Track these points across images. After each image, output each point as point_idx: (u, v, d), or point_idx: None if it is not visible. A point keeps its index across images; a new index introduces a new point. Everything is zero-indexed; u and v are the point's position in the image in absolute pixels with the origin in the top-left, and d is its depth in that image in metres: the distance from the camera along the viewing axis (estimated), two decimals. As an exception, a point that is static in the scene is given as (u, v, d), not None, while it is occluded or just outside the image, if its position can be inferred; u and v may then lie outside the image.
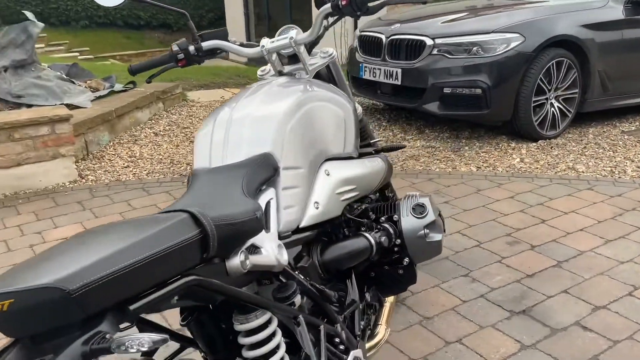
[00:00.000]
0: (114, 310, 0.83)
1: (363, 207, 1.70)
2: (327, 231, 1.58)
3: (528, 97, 4.63)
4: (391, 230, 1.69)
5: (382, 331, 1.79)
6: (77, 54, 14.12)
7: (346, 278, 1.60)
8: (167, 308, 1.01)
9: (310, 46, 2.05)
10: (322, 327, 1.32)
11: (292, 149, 1.46)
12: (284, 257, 1.27)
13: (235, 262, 1.07)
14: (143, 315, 1.20)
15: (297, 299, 1.31)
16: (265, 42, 1.92)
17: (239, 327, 1.26)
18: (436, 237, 1.74)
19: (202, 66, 12.59)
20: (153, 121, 5.67)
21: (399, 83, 4.99)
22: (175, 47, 1.89)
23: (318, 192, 1.50)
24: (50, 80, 5.24)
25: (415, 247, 1.73)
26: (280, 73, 1.94)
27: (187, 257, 0.96)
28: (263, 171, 1.36)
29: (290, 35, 1.89)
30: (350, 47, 5.83)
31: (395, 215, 1.74)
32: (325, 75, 2.05)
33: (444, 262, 2.92)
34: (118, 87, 6.00)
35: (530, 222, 3.33)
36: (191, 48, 1.89)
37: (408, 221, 1.73)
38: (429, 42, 4.77)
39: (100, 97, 5.48)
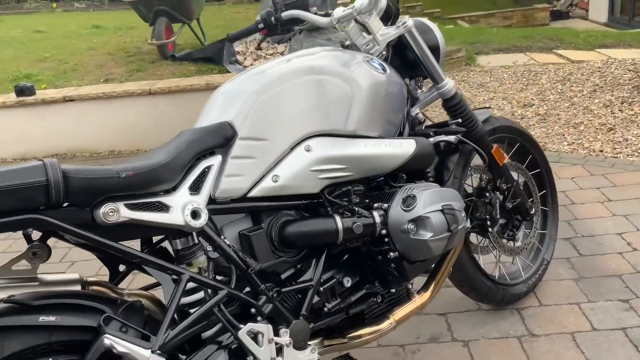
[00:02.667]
0: None
1: (344, 189, 1.59)
2: (298, 206, 1.55)
3: None
4: (377, 220, 1.54)
5: (385, 324, 1.66)
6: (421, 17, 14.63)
7: (315, 256, 1.56)
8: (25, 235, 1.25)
9: (394, 16, 1.93)
10: (222, 291, 1.37)
11: (258, 120, 1.49)
12: (200, 220, 1.35)
13: (98, 212, 1.23)
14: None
15: (199, 260, 1.39)
16: (338, 11, 1.90)
17: None
18: (423, 235, 1.51)
19: (544, 27, 11.72)
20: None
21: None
22: (257, 17, 2.03)
23: (283, 166, 1.50)
24: (336, 42, 5.80)
25: (401, 241, 1.53)
26: (341, 44, 1.90)
27: (30, 198, 1.16)
28: (211, 139, 1.44)
29: (355, 5, 1.83)
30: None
31: (386, 204, 1.57)
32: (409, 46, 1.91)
33: (611, 279, 2.38)
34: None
35: None
36: (272, 18, 2.00)
37: (394, 212, 1.54)
38: None
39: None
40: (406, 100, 1.84)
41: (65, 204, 1.22)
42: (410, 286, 1.76)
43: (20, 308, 1.21)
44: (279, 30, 2.05)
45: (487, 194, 2.09)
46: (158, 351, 1.22)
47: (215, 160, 1.44)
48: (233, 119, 1.48)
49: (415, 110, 1.94)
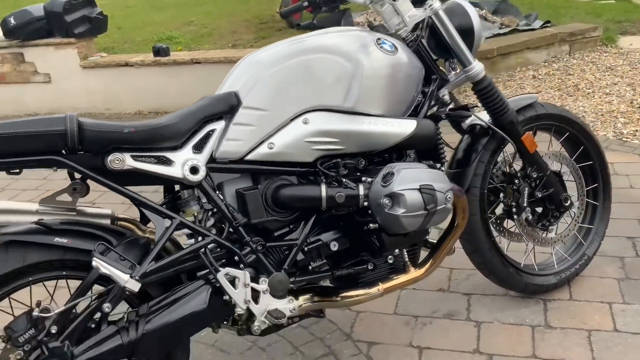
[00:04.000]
0: None
1: (334, 161, 1.69)
2: (293, 172, 1.71)
3: None
4: (361, 192, 1.65)
5: (373, 290, 1.77)
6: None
7: (305, 219, 1.71)
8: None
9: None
10: (208, 237, 1.58)
11: (262, 92, 1.66)
12: (197, 176, 1.58)
13: (107, 160, 1.50)
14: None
15: (192, 209, 1.62)
16: (372, -10, 1.98)
17: None
18: (396, 210, 1.59)
19: None
20: (546, 64, 5.47)
21: None
22: None
23: (280, 135, 1.66)
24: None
25: (378, 214, 1.63)
26: (369, 25, 1.98)
27: (52, 143, 1.45)
28: (217, 106, 1.65)
29: None
30: None
31: (370, 178, 1.67)
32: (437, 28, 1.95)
33: (663, 284, 2.25)
34: (536, 24, 5.95)
35: None
36: None
37: (374, 187, 1.63)
38: None
39: (499, 34, 5.62)
40: (422, 81, 1.89)
41: (81, 151, 1.50)
42: (406, 259, 1.86)
43: (44, 230, 1.53)
44: (322, 8, 2.18)
45: (516, 180, 2.09)
46: (136, 277, 1.47)
47: (219, 125, 1.64)
48: (240, 89, 1.67)
49: (443, 92, 1.98)
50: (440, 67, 2.04)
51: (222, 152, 1.64)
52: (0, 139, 1.42)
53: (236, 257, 1.63)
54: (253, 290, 1.63)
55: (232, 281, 1.60)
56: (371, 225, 1.68)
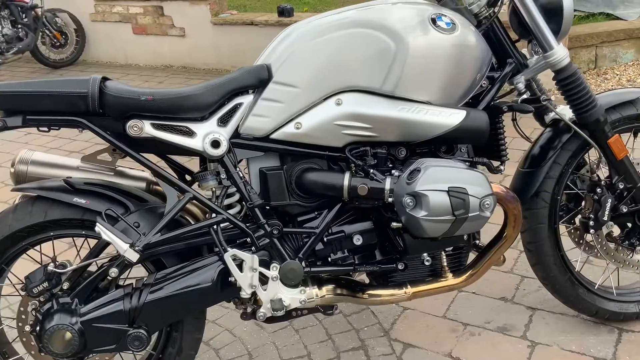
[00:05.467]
0: (14, 116, 1.49)
1: (362, 149, 1.52)
2: (321, 156, 1.57)
3: None
4: (387, 186, 1.46)
5: (400, 292, 1.60)
6: None
7: (329, 207, 1.59)
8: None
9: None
10: (220, 215, 1.52)
11: (294, 67, 1.54)
12: (218, 150, 1.52)
13: (126, 125, 1.49)
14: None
15: (209, 184, 1.56)
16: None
17: None
18: (417, 212, 1.39)
19: None
20: None
21: None
22: None
23: (309, 115, 1.53)
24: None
25: (401, 214, 1.44)
26: (438, -3, 1.75)
27: (75, 104, 1.46)
28: (247, 79, 1.56)
29: None
30: None
31: (398, 172, 1.48)
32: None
33: None
34: None
35: None
36: None
37: (400, 183, 1.43)
38: None
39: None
40: (488, 65, 1.64)
41: (102, 115, 1.50)
42: (444, 264, 1.67)
43: (67, 188, 1.56)
44: None
45: (599, 190, 1.78)
46: (137, 247, 1.46)
47: (247, 99, 1.56)
48: (272, 62, 1.57)
49: (519, 79, 1.71)
50: (523, 50, 1.79)
51: (246, 128, 1.56)
52: (30, 97, 1.46)
53: (249, 239, 1.57)
54: (263, 275, 1.55)
55: (240, 264, 1.54)
56: (394, 223, 1.52)
